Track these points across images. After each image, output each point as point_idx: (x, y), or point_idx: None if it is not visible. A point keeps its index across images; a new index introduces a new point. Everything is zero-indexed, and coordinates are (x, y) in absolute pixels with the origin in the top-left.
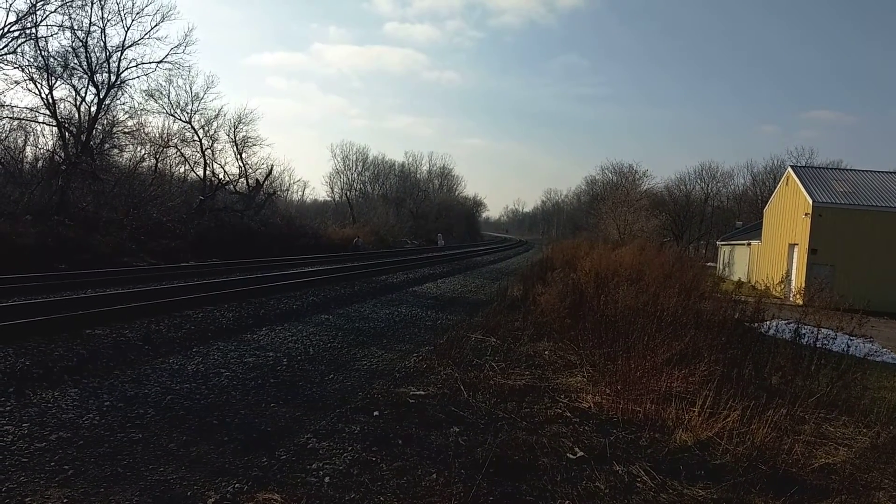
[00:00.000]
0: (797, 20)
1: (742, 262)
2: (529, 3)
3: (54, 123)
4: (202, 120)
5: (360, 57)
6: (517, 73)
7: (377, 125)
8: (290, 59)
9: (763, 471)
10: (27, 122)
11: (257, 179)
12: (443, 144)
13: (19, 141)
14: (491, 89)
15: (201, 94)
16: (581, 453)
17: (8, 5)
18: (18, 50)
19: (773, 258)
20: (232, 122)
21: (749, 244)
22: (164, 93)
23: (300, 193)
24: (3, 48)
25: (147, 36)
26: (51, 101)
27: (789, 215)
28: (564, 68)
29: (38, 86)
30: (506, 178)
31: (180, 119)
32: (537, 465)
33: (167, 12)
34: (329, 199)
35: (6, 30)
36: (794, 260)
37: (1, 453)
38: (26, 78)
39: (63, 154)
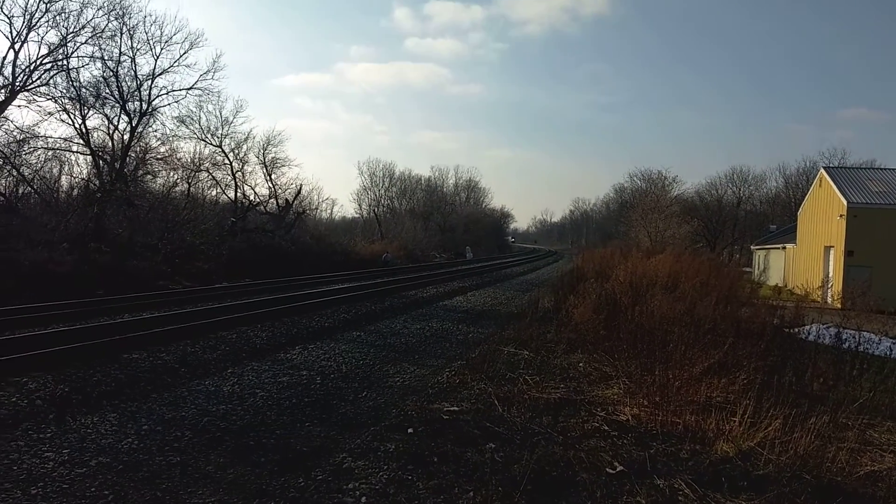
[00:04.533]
0: (827, 15)
1: (778, 267)
2: (552, 12)
3: (88, 152)
4: (232, 143)
5: (383, 74)
6: (542, 82)
7: (403, 141)
8: (315, 80)
9: (807, 480)
10: (62, 151)
11: (287, 199)
12: (469, 157)
13: (54, 170)
14: (516, 100)
15: (231, 119)
16: (621, 467)
17: (40, 39)
18: (51, 82)
19: (810, 261)
20: (261, 144)
21: (784, 248)
22: (195, 118)
23: (329, 211)
24: (37, 80)
25: (176, 63)
26: (84, 130)
27: (824, 217)
28: (590, 76)
29: (72, 116)
30: (533, 188)
31: (211, 143)
32: (576, 481)
33: (195, 40)
34: (357, 215)
35: (39, 62)
36: (831, 263)
37: (42, 480)
38: (60, 109)
39: (98, 182)
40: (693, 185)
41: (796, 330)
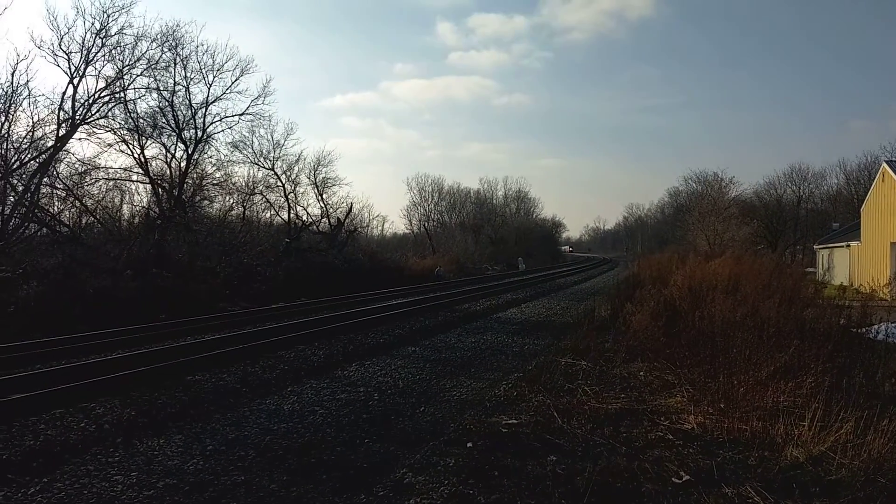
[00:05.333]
0: (877, 5)
1: (842, 265)
2: (597, 18)
3: (148, 181)
4: (284, 166)
5: (429, 90)
6: (589, 89)
7: (450, 154)
8: (361, 99)
9: (882, 484)
10: (122, 181)
11: (338, 218)
12: (517, 168)
13: (116, 200)
14: (563, 108)
15: (282, 142)
16: (687, 477)
17: (97, 73)
18: (110, 114)
19: (876, 258)
20: (311, 165)
21: (848, 246)
22: (248, 143)
23: (380, 228)
24: (96, 113)
25: (228, 91)
26: (143, 159)
27: (889, 212)
28: (638, 79)
29: (131, 146)
30: (584, 196)
31: (264, 167)
32: (641, 492)
33: (245, 67)
34: (408, 231)
35: (97, 96)
36: None
37: (112, 503)
38: (119, 140)
39: (157, 209)
40: (751, 185)
41: (864, 329)
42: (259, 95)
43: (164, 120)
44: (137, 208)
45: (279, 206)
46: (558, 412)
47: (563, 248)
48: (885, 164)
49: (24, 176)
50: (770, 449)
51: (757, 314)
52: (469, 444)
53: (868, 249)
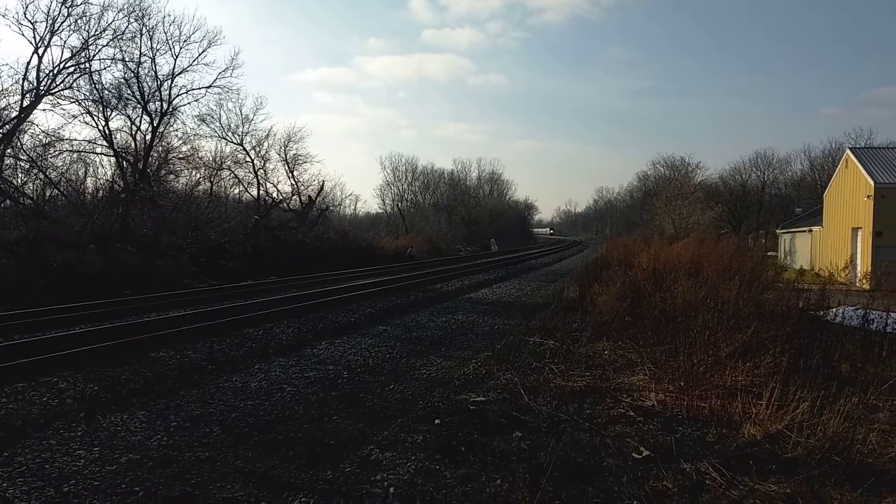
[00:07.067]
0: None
1: (804, 250)
2: None
3: (112, 154)
4: (253, 141)
5: (403, 67)
6: (565, 71)
7: (425, 134)
8: (334, 74)
9: (837, 462)
10: (86, 153)
11: (310, 196)
12: (493, 149)
13: (80, 172)
14: (539, 90)
15: (251, 116)
16: (647, 452)
17: (62, 43)
18: (74, 85)
19: (837, 243)
20: (282, 141)
21: (810, 231)
22: (216, 117)
23: (352, 207)
24: (60, 84)
25: (195, 62)
26: (107, 132)
27: (850, 198)
28: (613, 61)
29: (95, 118)
30: (556, 178)
31: (232, 141)
32: (602, 467)
33: (213, 38)
34: (381, 210)
35: (62, 66)
36: (859, 244)
37: (74, 477)
38: (83, 111)
39: (122, 183)
40: (717, 170)
41: (822, 312)
42: (227, 68)
43: (129, 91)
44: (102, 182)
45: (248, 183)
46: (525, 390)
47: (544, 230)
48: (848, 151)
49: None
50: (728, 426)
51: (717, 295)
52: (437, 421)
53: (829, 234)
